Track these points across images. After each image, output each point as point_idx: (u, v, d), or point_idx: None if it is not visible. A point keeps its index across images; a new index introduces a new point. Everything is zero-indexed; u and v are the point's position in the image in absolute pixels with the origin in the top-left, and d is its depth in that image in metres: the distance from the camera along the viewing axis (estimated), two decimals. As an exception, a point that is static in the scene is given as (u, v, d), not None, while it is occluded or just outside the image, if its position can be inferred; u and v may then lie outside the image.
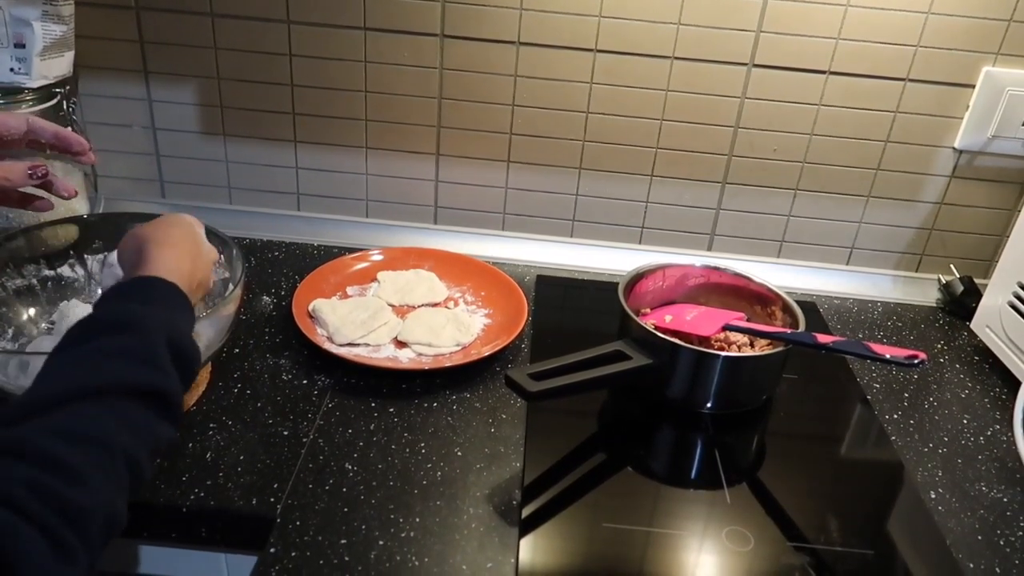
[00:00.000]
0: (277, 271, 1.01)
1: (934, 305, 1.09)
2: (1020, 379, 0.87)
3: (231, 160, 1.08)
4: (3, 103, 0.88)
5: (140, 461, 0.47)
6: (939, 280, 1.09)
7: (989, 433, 0.84)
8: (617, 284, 0.86)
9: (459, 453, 0.73)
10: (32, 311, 0.81)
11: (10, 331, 0.78)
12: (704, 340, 0.83)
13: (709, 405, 0.80)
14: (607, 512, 0.69)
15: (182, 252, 0.62)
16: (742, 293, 0.91)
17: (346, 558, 0.61)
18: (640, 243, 1.11)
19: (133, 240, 0.63)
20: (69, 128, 0.70)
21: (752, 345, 0.85)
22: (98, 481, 0.44)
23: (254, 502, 0.65)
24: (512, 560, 0.62)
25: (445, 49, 1.00)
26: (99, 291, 0.84)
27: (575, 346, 0.77)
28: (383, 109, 1.04)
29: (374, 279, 0.98)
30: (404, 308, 0.93)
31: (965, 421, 0.85)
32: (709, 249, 1.12)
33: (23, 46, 0.86)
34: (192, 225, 0.67)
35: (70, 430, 0.45)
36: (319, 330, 0.87)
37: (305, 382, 0.81)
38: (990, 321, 0.95)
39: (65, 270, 0.84)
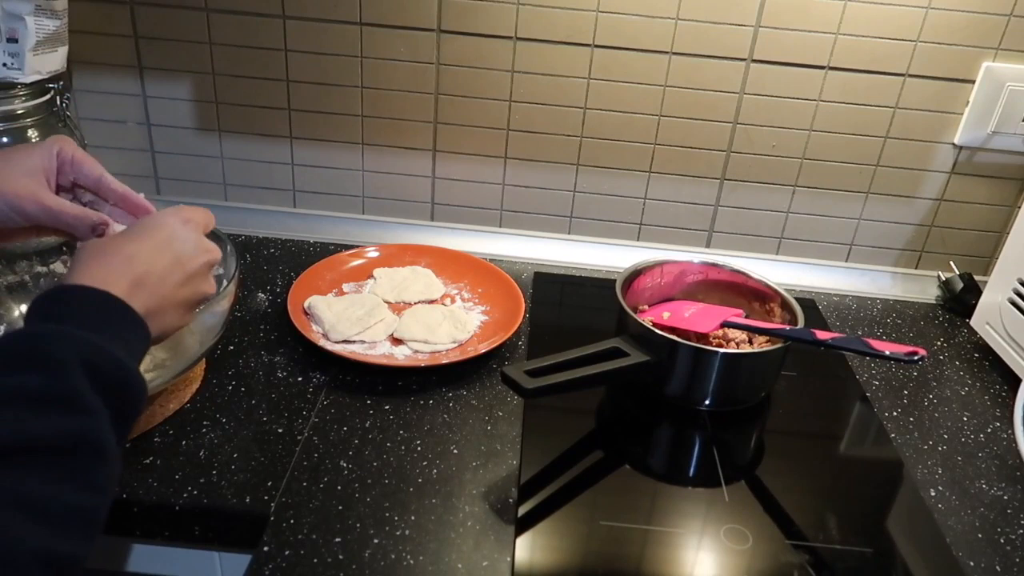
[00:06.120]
0: (273, 268, 1.01)
1: (933, 302, 1.09)
2: (1020, 376, 0.87)
3: (226, 156, 1.08)
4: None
5: (55, 551, 0.36)
6: (939, 277, 1.08)
7: (989, 430, 0.83)
8: (615, 281, 0.85)
9: (455, 451, 0.73)
10: (24, 307, 0.79)
11: (2, 328, 0.78)
12: (702, 337, 0.82)
13: (707, 402, 0.80)
14: (604, 510, 0.68)
15: (132, 253, 0.51)
16: (740, 290, 0.91)
17: (340, 556, 0.61)
18: (638, 240, 1.11)
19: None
20: (78, 138, 0.69)
21: (751, 342, 0.85)
22: None
23: (248, 500, 0.65)
24: (508, 558, 0.62)
25: (441, 44, 0.99)
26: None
27: (572, 343, 0.76)
28: (379, 105, 1.03)
29: (370, 276, 0.98)
30: (400, 305, 0.92)
31: (965, 418, 0.85)
32: (707, 246, 1.11)
33: (16, 41, 0.86)
34: (169, 225, 0.56)
35: None
36: (314, 327, 0.86)
37: (300, 379, 0.80)
38: (990, 318, 0.95)
39: (58, 266, 0.83)
